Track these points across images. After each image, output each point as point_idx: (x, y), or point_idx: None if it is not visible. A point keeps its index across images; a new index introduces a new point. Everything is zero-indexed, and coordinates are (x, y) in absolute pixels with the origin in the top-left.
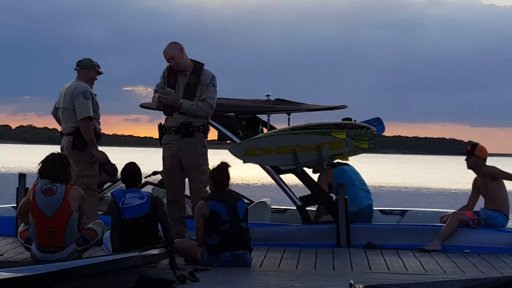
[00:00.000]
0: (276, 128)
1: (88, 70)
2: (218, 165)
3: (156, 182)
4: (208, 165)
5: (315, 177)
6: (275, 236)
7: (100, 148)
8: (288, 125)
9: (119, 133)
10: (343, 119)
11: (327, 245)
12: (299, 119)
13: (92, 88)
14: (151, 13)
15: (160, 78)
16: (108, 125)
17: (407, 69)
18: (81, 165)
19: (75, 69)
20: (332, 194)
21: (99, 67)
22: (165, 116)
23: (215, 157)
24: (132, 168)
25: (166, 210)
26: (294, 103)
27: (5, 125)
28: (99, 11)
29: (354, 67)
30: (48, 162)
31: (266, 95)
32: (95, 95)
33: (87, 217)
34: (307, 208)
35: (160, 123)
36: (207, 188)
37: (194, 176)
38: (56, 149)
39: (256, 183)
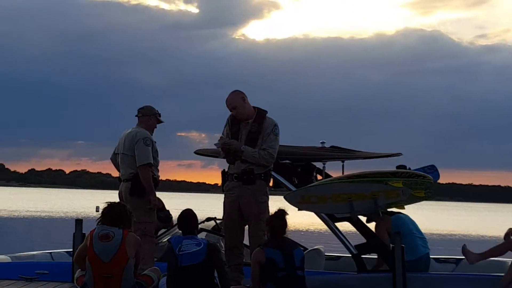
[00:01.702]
0: (330, 176)
1: (149, 117)
2: (276, 212)
3: (209, 228)
4: (268, 213)
5: (370, 225)
6: (331, 284)
7: (156, 193)
8: (343, 172)
9: (172, 178)
10: (398, 167)
11: None
12: (353, 167)
13: (152, 135)
14: (205, 59)
15: (224, 125)
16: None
17: (461, 116)
18: (139, 211)
19: (136, 116)
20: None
21: (159, 115)
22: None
23: (271, 204)
24: (189, 215)
25: (223, 257)
26: (348, 150)
27: (59, 169)
28: (154, 56)
29: (408, 114)
30: (109, 209)
31: (321, 142)
32: (155, 142)
33: (143, 263)
34: (362, 256)
35: (224, 170)
36: (266, 237)
37: (254, 224)
38: (111, 194)
39: (307, 230)
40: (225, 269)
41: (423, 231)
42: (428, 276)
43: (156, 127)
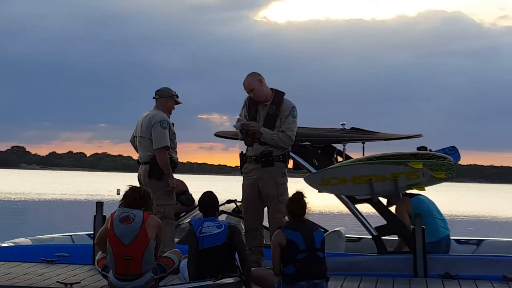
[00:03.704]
0: (351, 157)
1: (166, 99)
2: (293, 195)
3: (230, 211)
4: (287, 194)
5: (391, 208)
6: (351, 266)
7: (177, 176)
8: (363, 154)
9: (193, 161)
10: (418, 148)
11: (404, 275)
12: (374, 148)
13: (169, 117)
14: (227, 41)
15: (242, 107)
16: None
17: (482, 97)
18: (158, 194)
19: (154, 98)
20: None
21: (177, 97)
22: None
23: (290, 186)
24: (209, 197)
25: (243, 239)
26: (369, 132)
27: (80, 152)
28: (175, 38)
29: (429, 95)
30: (130, 192)
31: (341, 124)
32: (173, 124)
33: (163, 246)
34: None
35: (242, 152)
36: (286, 218)
37: (273, 206)
38: (131, 176)
39: (330, 212)
40: (246, 251)
41: (444, 213)
42: (449, 257)
43: (174, 109)
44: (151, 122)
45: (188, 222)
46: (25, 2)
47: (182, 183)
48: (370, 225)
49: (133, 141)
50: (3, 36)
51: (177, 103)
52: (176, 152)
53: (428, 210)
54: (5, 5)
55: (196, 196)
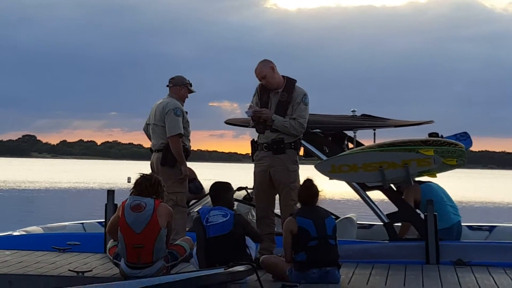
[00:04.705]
0: (362, 144)
1: (180, 87)
2: (304, 182)
3: (240, 198)
4: (299, 182)
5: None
6: (362, 253)
7: (188, 164)
8: (374, 141)
9: (204, 148)
10: (430, 134)
11: (416, 262)
12: (385, 135)
13: (183, 105)
14: (237, 28)
15: (253, 95)
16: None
17: (494, 83)
18: (170, 182)
19: (167, 86)
20: (418, 211)
21: (191, 85)
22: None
23: (301, 173)
24: (218, 186)
25: (250, 223)
26: (380, 118)
27: (91, 141)
28: (185, 27)
29: (440, 81)
30: (141, 180)
31: (352, 111)
32: (186, 112)
33: (175, 234)
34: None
35: (253, 139)
36: (297, 205)
37: (285, 193)
38: (142, 164)
39: (340, 199)
40: (255, 231)
41: (455, 199)
42: (461, 244)
43: (187, 97)
44: (165, 110)
45: (197, 210)
46: None
47: (190, 170)
48: (382, 212)
49: (146, 129)
50: (15, 25)
51: (191, 91)
52: (189, 140)
53: (438, 197)
54: None
55: (207, 184)
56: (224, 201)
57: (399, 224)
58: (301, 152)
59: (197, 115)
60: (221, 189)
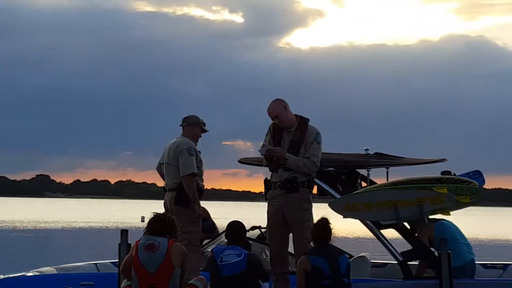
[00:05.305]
0: (375, 183)
1: (193, 126)
2: (318, 221)
3: (254, 237)
4: (312, 220)
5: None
6: None
7: (201, 203)
8: (387, 179)
9: (217, 187)
10: (442, 172)
11: None
12: (398, 173)
13: (196, 144)
14: (251, 67)
15: (266, 134)
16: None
17: (507, 121)
18: (184, 221)
19: (181, 125)
20: (432, 249)
21: (204, 125)
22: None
23: (315, 212)
24: (235, 226)
25: (262, 264)
26: (393, 157)
27: (104, 180)
28: (199, 66)
29: (452, 120)
30: (155, 219)
31: (365, 149)
32: (199, 151)
33: (189, 273)
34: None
35: (266, 178)
36: (311, 244)
37: (298, 232)
38: (156, 203)
39: (353, 237)
40: (266, 272)
41: (469, 237)
42: (475, 282)
43: (201, 137)
44: (178, 149)
45: (211, 250)
46: (47, 33)
47: (204, 210)
48: (396, 250)
49: (159, 168)
50: (28, 66)
51: (204, 131)
52: (202, 180)
53: (451, 235)
54: (30, 35)
55: (221, 223)
56: (241, 241)
57: (415, 262)
58: (315, 191)
59: (211, 154)
60: (239, 228)
